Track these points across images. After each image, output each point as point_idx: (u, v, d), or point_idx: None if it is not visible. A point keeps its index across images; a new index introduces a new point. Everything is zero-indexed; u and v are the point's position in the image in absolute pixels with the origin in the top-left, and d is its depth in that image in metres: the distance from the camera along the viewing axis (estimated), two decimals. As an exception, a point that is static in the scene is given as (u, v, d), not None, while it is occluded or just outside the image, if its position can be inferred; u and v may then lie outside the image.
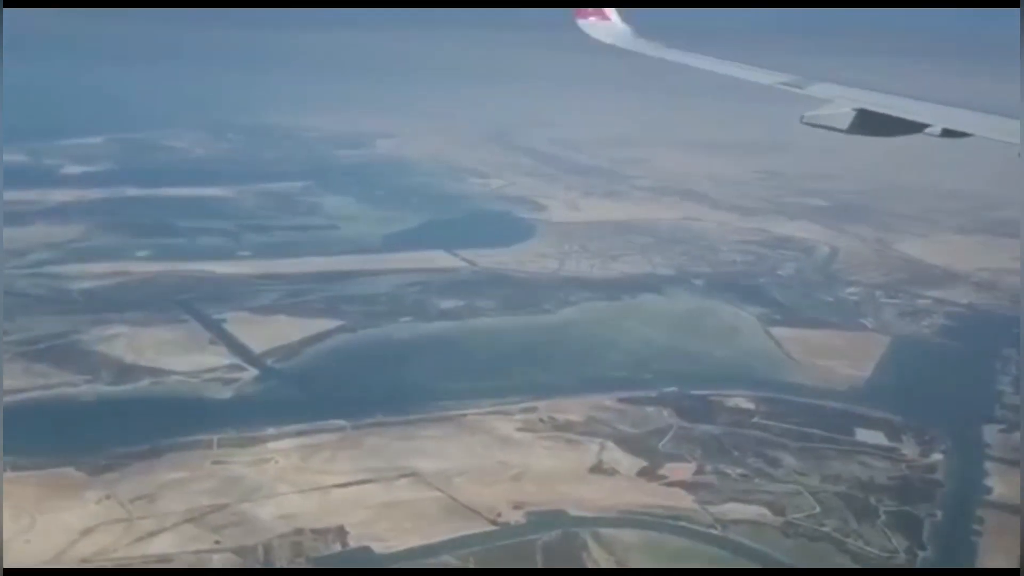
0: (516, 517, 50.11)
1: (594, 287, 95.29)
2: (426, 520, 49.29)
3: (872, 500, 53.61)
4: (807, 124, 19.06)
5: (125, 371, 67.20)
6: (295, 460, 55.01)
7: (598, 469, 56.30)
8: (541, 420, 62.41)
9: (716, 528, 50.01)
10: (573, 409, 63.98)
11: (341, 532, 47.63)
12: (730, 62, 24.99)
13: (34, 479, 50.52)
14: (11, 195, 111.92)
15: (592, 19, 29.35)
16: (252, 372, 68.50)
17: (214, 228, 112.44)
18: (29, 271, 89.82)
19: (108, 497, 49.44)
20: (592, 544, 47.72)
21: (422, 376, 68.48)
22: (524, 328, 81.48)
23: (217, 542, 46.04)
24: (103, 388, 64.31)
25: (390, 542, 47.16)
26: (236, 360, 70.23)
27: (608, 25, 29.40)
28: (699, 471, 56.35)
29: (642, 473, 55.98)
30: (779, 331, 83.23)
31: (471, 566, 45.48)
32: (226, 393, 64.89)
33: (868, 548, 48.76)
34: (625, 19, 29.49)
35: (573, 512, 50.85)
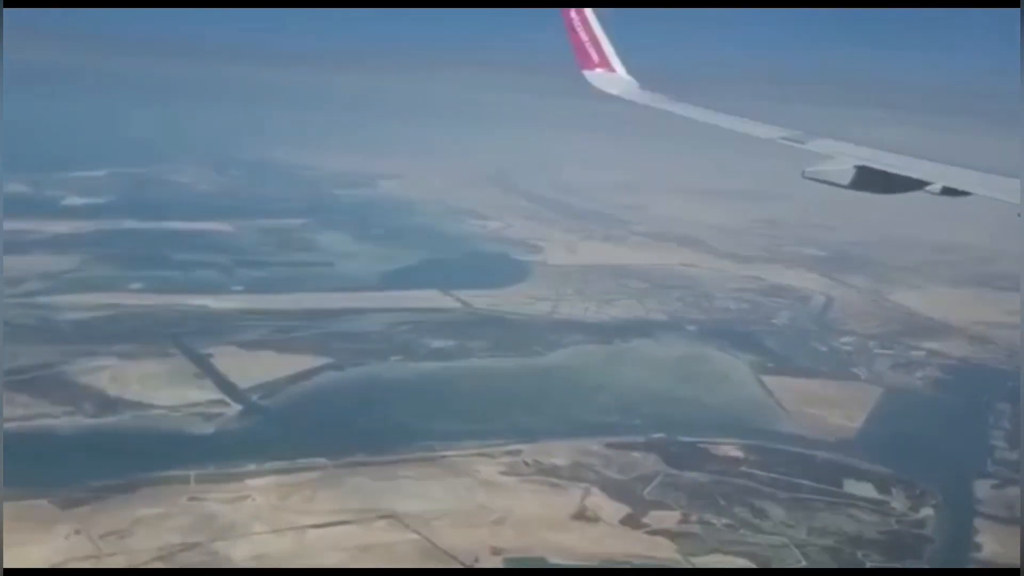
0: (494, 563, 49.03)
1: (587, 330, 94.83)
2: (402, 564, 48.22)
3: (859, 555, 52.57)
4: (808, 179, 19.19)
5: (108, 404, 66.51)
6: (273, 499, 54.06)
7: (581, 515, 55.25)
8: (526, 463, 61.52)
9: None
10: (559, 453, 63.11)
11: (314, 574, 46.56)
12: (733, 116, 25.19)
13: (5, 511, 49.46)
14: (10, 224, 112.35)
15: (598, 71, 29.74)
16: (236, 408, 67.79)
17: (209, 262, 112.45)
18: (21, 300, 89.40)
19: (78, 532, 48.47)
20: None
21: (407, 416, 67.72)
22: (514, 370, 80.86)
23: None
24: (83, 420, 63.55)
25: (363, 586, 46.09)
26: (220, 395, 69.54)
27: (614, 77, 29.79)
28: (684, 520, 55.31)
29: (626, 520, 54.92)
30: (771, 379, 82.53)
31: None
32: (208, 428, 64.12)
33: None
34: (631, 72, 29.86)
35: (553, 559, 49.81)
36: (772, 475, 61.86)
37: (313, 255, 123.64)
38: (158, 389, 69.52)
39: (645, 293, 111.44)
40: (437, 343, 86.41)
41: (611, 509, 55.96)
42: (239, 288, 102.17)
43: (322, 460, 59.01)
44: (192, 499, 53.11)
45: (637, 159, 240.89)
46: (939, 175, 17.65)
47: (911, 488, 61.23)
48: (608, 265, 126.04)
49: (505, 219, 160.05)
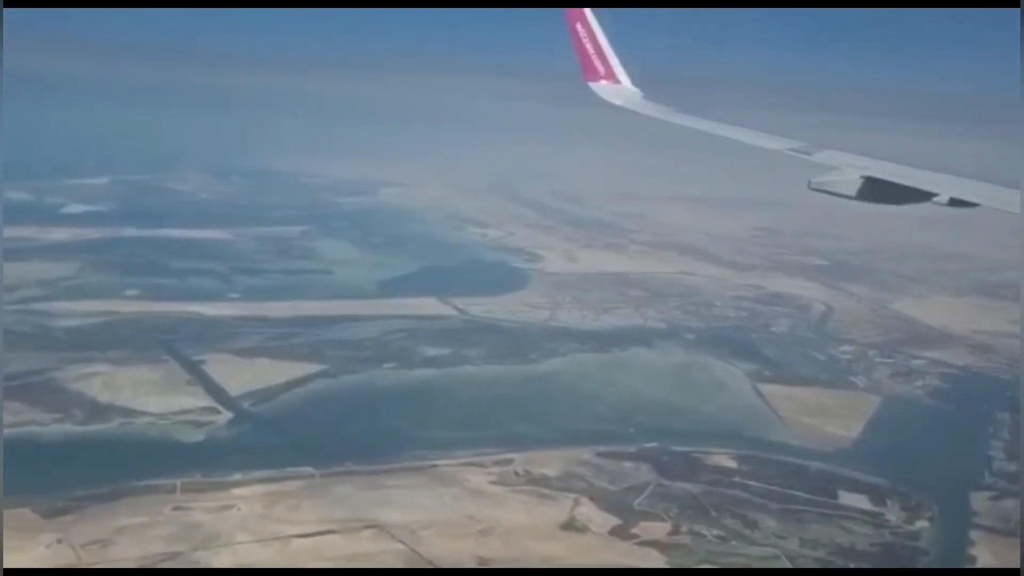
0: (480, 574, 48.43)
1: (584, 338, 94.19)
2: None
3: (851, 567, 51.68)
4: (815, 190, 18.94)
5: (97, 411, 66.24)
6: (258, 508, 53.58)
7: (570, 526, 54.58)
8: (516, 473, 60.89)
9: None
10: (550, 462, 62.46)
11: (296, 585, 46.08)
12: (738, 127, 24.90)
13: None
14: (9, 231, 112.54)
15: (603, 82, 29.89)
16: (226, 415, 67.40)
17: (206, 270, 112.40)
18: (17, 307, 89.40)
19: (60, 541, 48.08)
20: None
21: (398, 424, 67.24)
22: (508, 378, 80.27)
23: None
24: (72, 428, 63.24)
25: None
26: (211, 403, 69.20)
27: (619, 88, 29.88)
28: (674, 531, 54.53)
29: (615, 531, 54.19)
30: (768, 388, 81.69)
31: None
32: (197, 436, 63.74)
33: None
34: (635, 76, 29.78)
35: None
36: (765, 486, 61.00)
37: (312, 263, 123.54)
38: (149, 396, 69.25)
39: (644, 301, 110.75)
40: (432, 351, 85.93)
41: (600, 520, 55.25)
42: (236, 296, 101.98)
43: (309, 469, 58.52)
44: (176, 508, 52.65)
45: (639, 167, 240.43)
46: (946, 186, 17.52)
47: (906, 500, 60.29)
48: (608, 273, 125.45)
49: (506, 227, 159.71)
